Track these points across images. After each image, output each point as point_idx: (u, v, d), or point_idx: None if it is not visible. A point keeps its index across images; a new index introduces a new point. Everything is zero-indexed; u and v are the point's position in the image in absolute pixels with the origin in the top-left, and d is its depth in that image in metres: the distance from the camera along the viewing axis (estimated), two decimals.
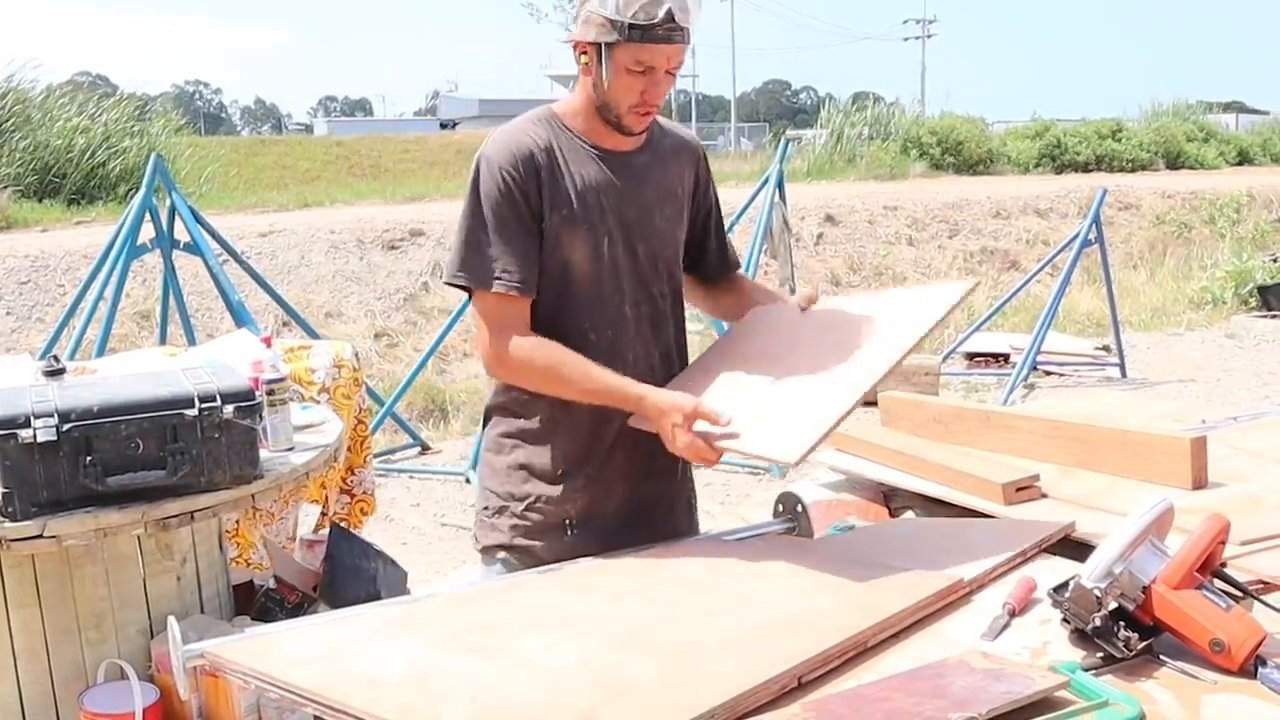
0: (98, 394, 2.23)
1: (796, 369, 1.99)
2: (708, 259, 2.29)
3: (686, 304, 2.25)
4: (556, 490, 2.10)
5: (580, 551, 2.06)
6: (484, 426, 2.21)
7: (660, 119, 2.14)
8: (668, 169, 2.13)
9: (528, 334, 2.00)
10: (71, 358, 4.75)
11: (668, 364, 2.17)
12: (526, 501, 2.11)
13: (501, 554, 2.13)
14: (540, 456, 2.10)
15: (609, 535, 2.11)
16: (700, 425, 1.90)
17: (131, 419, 2.18)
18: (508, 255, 1.97)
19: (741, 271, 2.37)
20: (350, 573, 2.91)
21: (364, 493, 3.49)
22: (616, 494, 2.13)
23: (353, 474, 3.44)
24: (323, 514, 3.36)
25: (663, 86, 1.98)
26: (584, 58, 1.97)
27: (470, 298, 2.05)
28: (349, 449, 3.36)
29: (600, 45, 1.92)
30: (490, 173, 1.97)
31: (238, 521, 3.01)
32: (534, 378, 2.03)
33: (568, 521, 2.11)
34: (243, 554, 3.02)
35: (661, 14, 1.88)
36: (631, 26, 1.88)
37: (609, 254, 2.04)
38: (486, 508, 2.16)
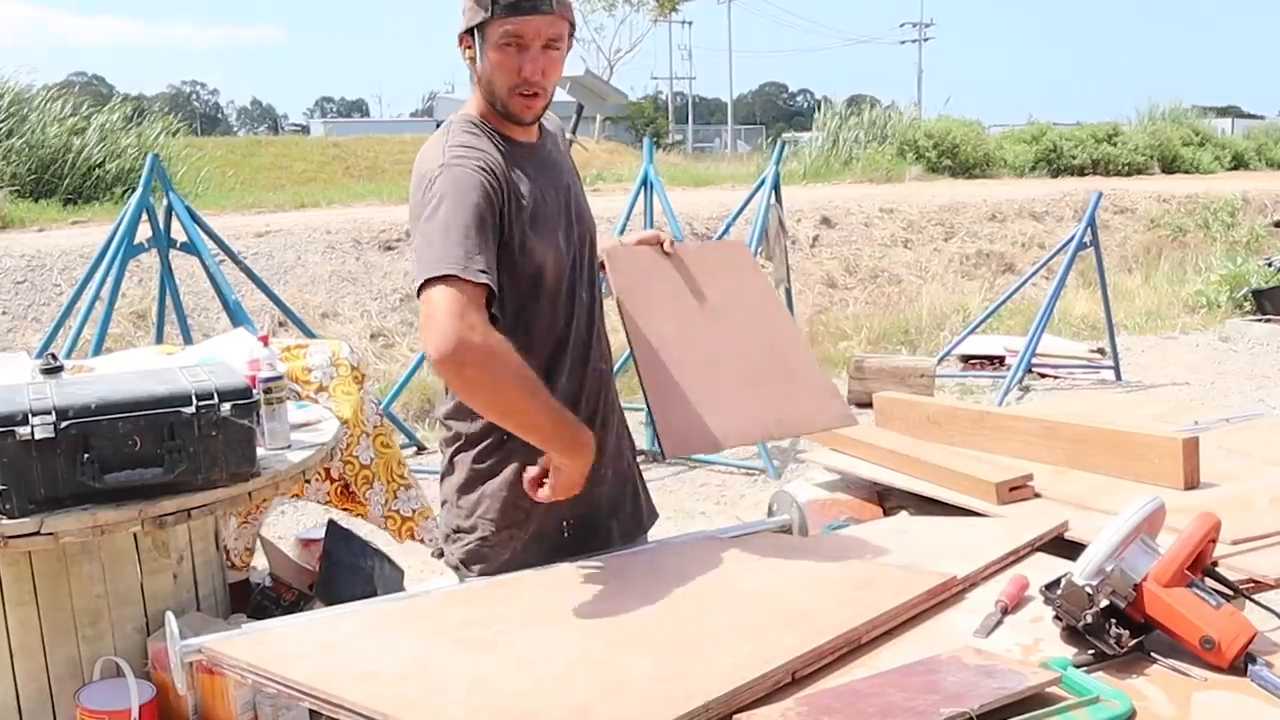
0: (95, 392, 2.23)
1: (726, 361, 2.20)
2: None
3: None
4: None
5: (573, 553, 2.05)
6: (458, 451, 2.09)
7: None
8: (560, 149, 2.15)
9: (498, 339, 1.81)
10: (68, 357, 4.74)
11: (604, 338, 2.19)
12: (524, 526, 2.05)
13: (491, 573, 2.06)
14: (530, 470, 2.00)
15: (598, 530, 2.11)
16: None
17: (129, 416, 2.19)
18: (485, 253, 1.83)
19: None
20: (347, 571, 2.92)
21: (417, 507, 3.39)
22: (604, 478, 2.11)
23: (403, 464, 3.34)
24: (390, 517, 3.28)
25: (540, 62, 1.92)
26: (469, 52, 1.97)
27: (421, 292, 1.83)
28: (387, 445, 3.23)
29: (474, 30, 1.93)
30: (459, 175, 1.87)
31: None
32: (496, 375, 1.80)
33: (565, 523, 2.08)
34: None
35: None
36: (494, 1, 1.88)
37: (565, 246, 2.03)
38: (485, 538, 2.06)
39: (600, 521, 2.13)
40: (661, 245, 2.27)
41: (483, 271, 1.80)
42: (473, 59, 1.97)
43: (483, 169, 1.90)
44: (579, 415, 2.05)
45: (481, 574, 2.06)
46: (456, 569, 2.12)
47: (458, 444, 2.10)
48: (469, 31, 1.95)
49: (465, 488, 2.09)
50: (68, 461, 2.14)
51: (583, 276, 2.08)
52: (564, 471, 1.90)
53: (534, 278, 1.98)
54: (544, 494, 1.92)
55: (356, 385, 3.18)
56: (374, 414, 3.25)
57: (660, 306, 2.22)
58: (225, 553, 2.99)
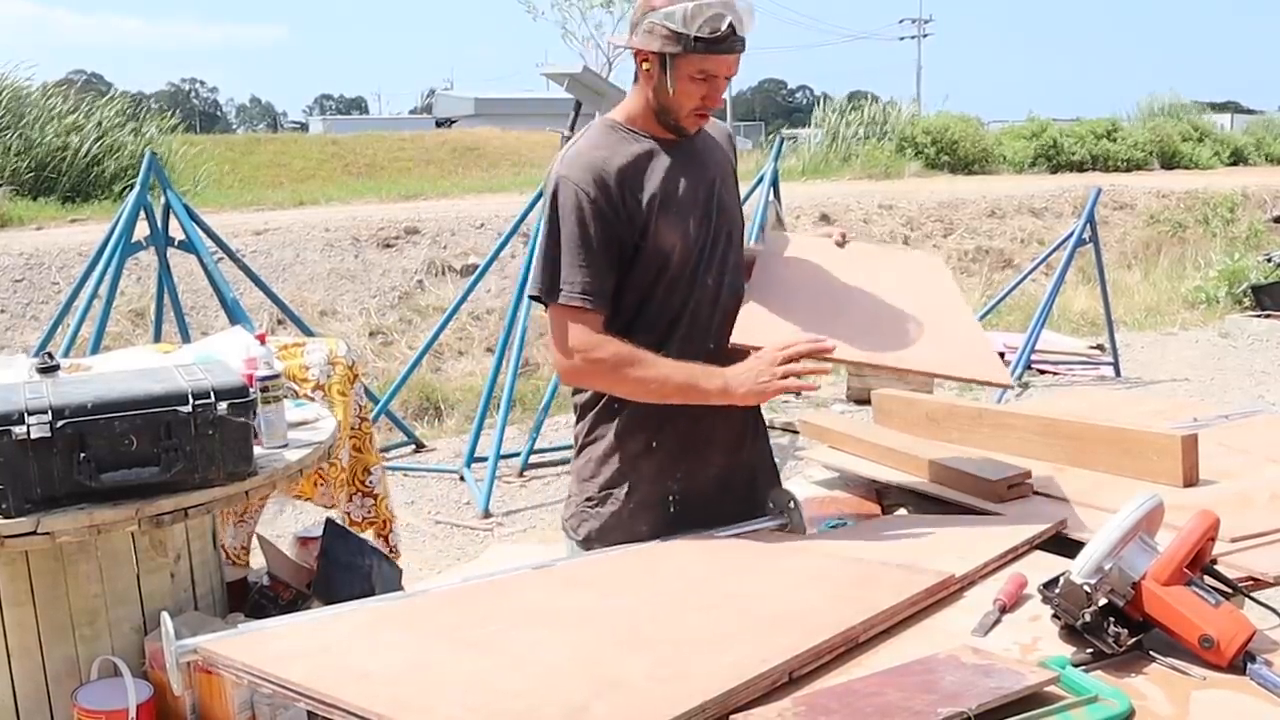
0: (92, 390, 2.23)
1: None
2: None
3: None
4: (653, 466, 2.15)
5: (680, 527, 2.13)
6: (577, 421, 2.25)
7: None
8: (717, 148, 2.25)
9: (595, 340, 2.05)
10: (66, 355, 4.74)
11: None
12: (626, 488, 2.16)
13: (598, 543, 2.17)
14: (635, 437, 2.15)
15: (707, 507, 2.17)
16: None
17: (125, 415, 2.18)
18: (579, 269, 2.03)
19: None
20: (344, 570, 2.91)
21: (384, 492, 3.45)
22: (713, 463, 2.19)
23: (369, 473, 3.40)
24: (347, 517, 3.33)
25: (720, 92, 2.09)
26: (646, 65, 2.05)
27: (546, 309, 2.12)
28: (359, 449, 3.32)
29: (665, 55, 2.01)
30: (568, 192, 2.04)
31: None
32: (604, 377, 2.08)
33: (671, 498, 2.16)
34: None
35: (725, 27, 1.97)
36: (697, 39, 1.97)
37: (696, 234, 2.12)
38: (589, 498, 2.19)
39: (708, 500, 2.19)
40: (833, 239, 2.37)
41: (584, 294, 2.03)
42: (649, 73, 2.05)
43: (590, 175, 2.03)
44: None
45: (585, 538, 2.18)
46: (568, 535, 2.24)
47: (576, 414, 2.25)
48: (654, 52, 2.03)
49: (577, 453, 2.24)
50: (64, 461, 2.13)
51: (711, 264, 2.15)
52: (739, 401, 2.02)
53: (661, 258, 2.09)
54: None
55: (351, 385, 3.19)
56: (355, 416, 3.26)
57: (800, 257, 2.27)
58: (224, 550, 2.99)
